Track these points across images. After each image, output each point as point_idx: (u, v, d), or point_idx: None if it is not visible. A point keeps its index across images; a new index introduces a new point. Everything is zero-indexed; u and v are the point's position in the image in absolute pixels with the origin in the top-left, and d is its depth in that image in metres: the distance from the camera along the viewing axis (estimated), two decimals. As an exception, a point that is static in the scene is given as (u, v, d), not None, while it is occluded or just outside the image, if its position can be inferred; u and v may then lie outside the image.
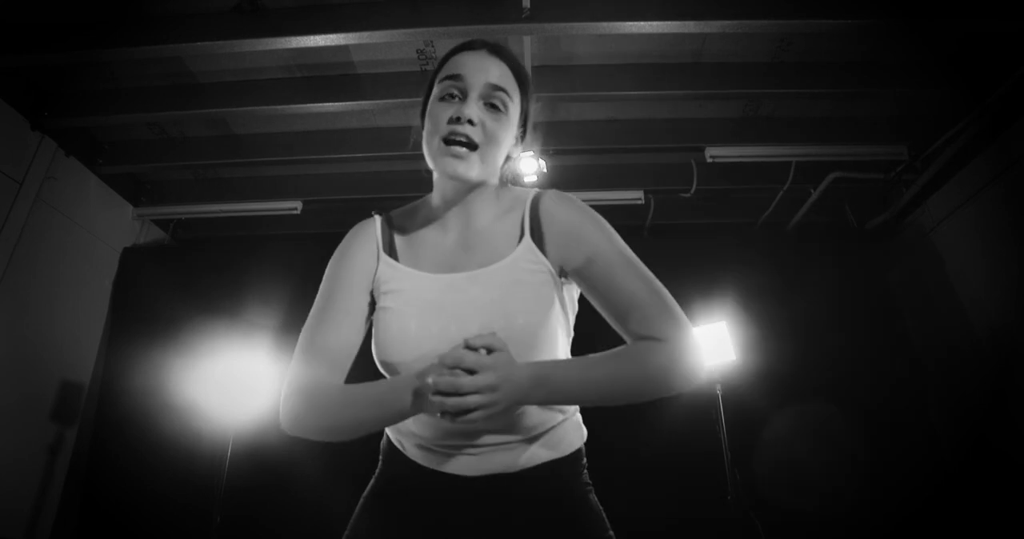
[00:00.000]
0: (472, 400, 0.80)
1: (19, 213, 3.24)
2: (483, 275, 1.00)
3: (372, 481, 1.09)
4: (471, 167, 0.98)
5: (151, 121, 3.60)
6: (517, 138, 1.09)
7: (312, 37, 2.80)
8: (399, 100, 3.24)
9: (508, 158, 1.09)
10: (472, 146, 0.97)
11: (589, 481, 1.05)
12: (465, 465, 0.97)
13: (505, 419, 0.95)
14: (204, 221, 4.41)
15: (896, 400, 3.55)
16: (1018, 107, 3.09)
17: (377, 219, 1.13)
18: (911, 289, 3.98)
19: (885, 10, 2.69)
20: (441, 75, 1.04)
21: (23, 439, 3.23)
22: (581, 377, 0.91)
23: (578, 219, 1.02)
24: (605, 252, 1.00)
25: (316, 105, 3.28)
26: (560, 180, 3.94)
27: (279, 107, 3.29)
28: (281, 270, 3.84)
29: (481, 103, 1.00)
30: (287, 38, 2.81)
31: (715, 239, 4.08)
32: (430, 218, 1.10)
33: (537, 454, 0.99)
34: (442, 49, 3.11)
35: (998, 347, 3.32)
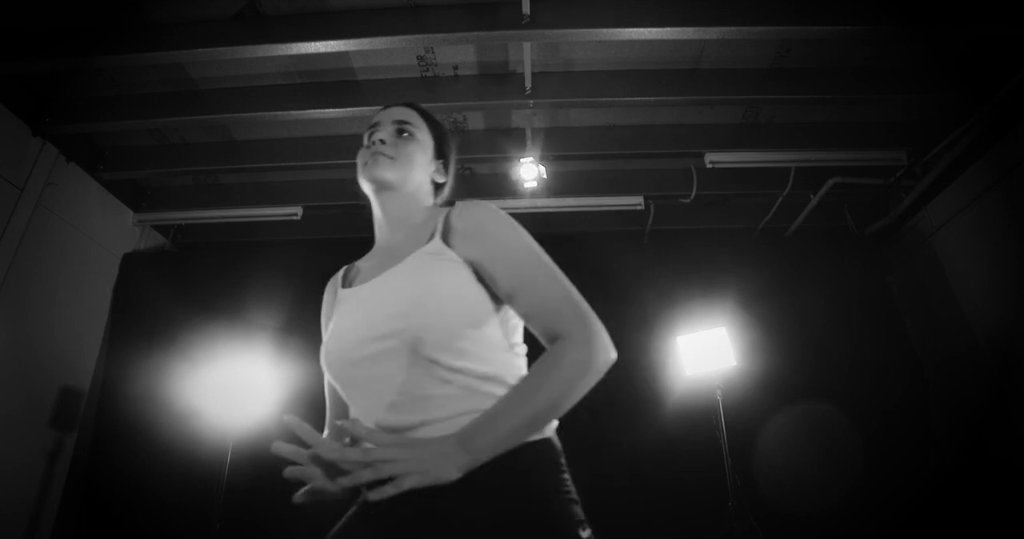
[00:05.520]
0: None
1: (20, 219, 3.24)
2: (391, 274, 1.07)
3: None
4: (386, 169, 1.16)
5: (152, 127, 3.61)
6: (439, 167, 1.27)
7: (312, 44, 2.81)
8: (399, 106, 3.25)
9: (437, 185, 1.28)
10: (385, 155, 1.17)
11: (554, 475, 0.97)
12: None
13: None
14: (204, 227, 4.42)
15: (896, 404, 3.54)
16: (1018, 112, 3.09)
17: (349, 266, 1.28)
18: (911, 294, 3.98)
19: (886, 13, 2.70)
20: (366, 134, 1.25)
21: (23, 444, 3.22)
22: (510, 419, 0.92)
23: (485, 218, 1.06)
24: (510, 248, 1.04)
25: (316, 111, 3.29)
26: (560, 186, 3.95)
27: (279, 113, 3.30)
28: (281, 276, 3.85)
29: (392, 129, 1.21)
30: (287, 45, 2.83)
31: (715, 245, 4.08)
32: (376, 243, 1.24)
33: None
34: (442, 55, 3.13)
35: (997, 351, 3.32)
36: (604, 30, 2.76)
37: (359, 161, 1.20)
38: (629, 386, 3.57)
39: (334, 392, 1.18)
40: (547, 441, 0.99)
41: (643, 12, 2.75)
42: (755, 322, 3.58)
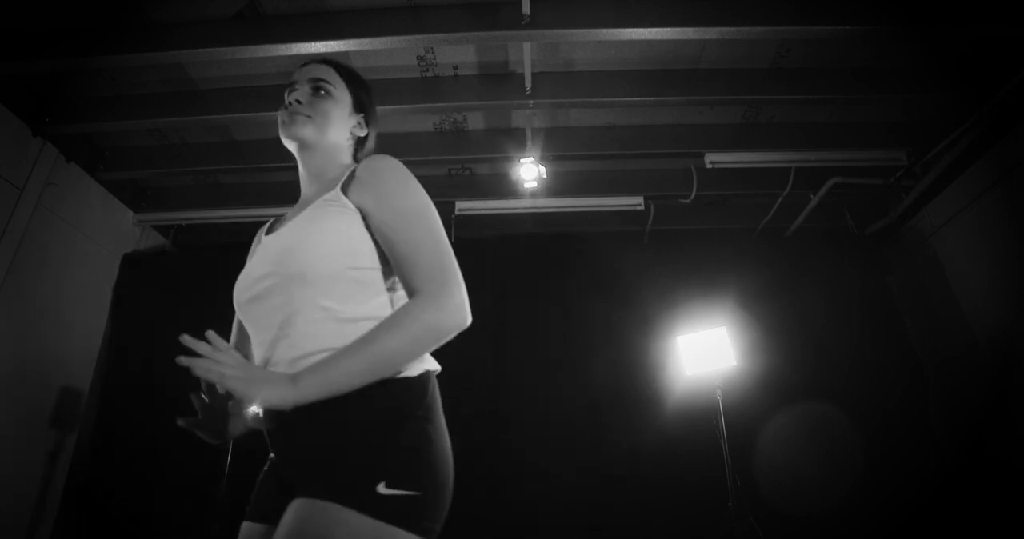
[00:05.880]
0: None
1: (20, 219, 3.24)
2: (291, 224, 1.12)
3: None
4: (303, 127, 1.20)
5: (152, 127, 3.60)
6: (359, 121, 1.30)
7: (312, 44, 2.81)
8: (399, 106, 3.24)
9: (359, 139, 1.30)
10: (302, 114, 1.20)
11: (411, 406, 0.99)
12: None
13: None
14: (204, 227, 4.41)
15: (896, 404, 3.54)
16: (1018, 112, 3.09)
17: (277, 217, 1.32)
18: (911, 294, 3.98)
19: (886, 13, 2.70)
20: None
21: (23, 446, 3.22)
22: (343, 367, 0.94)
23: (383, 169, 1.10)
24: (395, 198, 1.06)
25: (317, 111, 3.28)
26: (560, 186, 3.95)
27: (280, 113, 3.29)
28: (281, 275, 3.84)
29: (308, 88, 1.23)
30: (287, 45, 2.83)
31: (715, 245, 4.08)
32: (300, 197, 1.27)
33: None
34: (442, 56, 3.13)
35: (997, 351, 3.32)
36: (604, 30, 2.76)
37: (278, 120, 1.24)
38: (629, 386, 3.57)
39: (240, 325, 1.29)
40: (410, 380, 1.01)
41: (643, 12, 2.75)
42: (755, 322, 3.58)
